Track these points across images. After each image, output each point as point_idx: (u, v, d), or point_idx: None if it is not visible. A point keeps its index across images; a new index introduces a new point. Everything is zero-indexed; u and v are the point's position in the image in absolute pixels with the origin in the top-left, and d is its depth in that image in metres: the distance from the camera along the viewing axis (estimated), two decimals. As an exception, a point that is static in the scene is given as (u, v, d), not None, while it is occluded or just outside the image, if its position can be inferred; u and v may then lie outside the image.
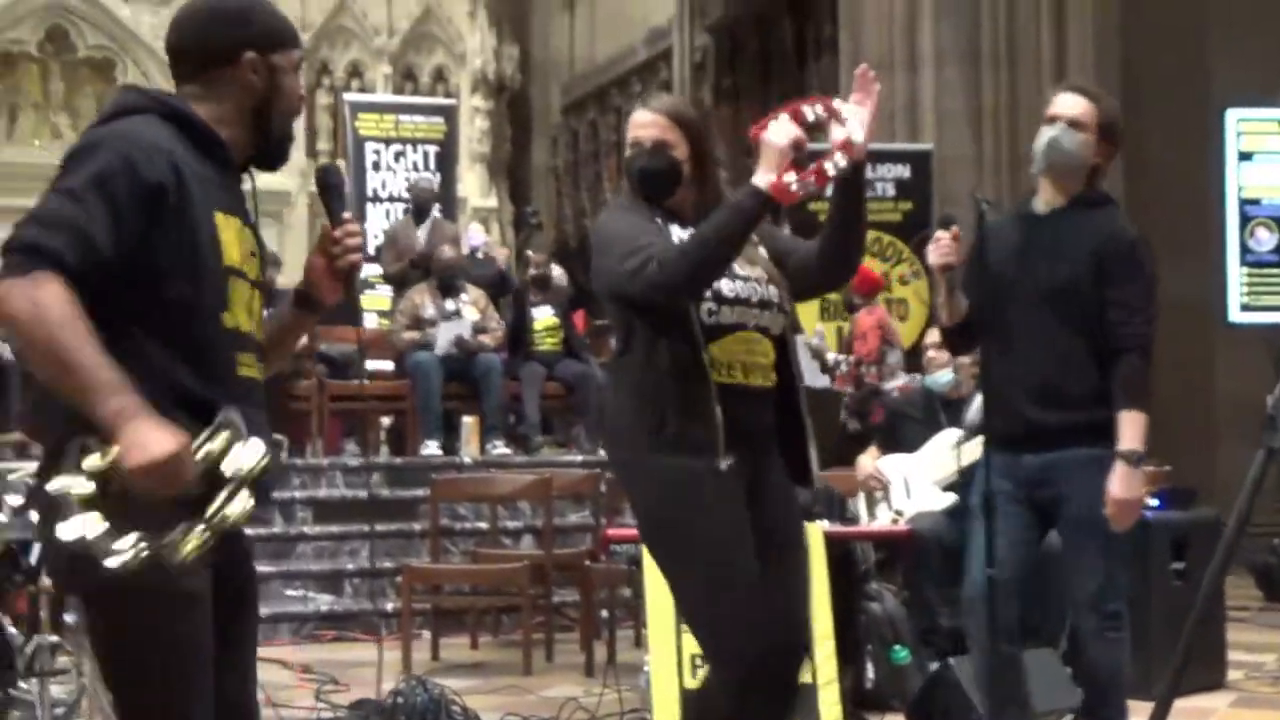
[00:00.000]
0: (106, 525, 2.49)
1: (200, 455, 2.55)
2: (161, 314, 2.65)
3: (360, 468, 9.99)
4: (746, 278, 3.61)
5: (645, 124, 3.69)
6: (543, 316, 10.92)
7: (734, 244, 3.48)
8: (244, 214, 2.82)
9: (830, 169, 3.43)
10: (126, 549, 2.48)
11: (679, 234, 3.60)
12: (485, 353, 10.37)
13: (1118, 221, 4.40)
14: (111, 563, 2.47)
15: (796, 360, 3.77)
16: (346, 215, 2.95)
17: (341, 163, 14.71)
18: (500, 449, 10.23)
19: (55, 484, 2.52)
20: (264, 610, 8.50)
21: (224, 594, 2.71)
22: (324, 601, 8.89)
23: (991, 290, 4.32)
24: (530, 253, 11.99)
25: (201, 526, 2.54)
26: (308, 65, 17.89)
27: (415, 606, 7.77)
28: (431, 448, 10.15)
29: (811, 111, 3.52)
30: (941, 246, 4.36)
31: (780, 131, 3.46)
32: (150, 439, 2.47)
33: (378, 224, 12.88)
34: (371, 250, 12.66)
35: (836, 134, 3.47)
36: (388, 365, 11.02)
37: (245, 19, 2.84)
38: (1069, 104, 4.35)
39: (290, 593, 8.88)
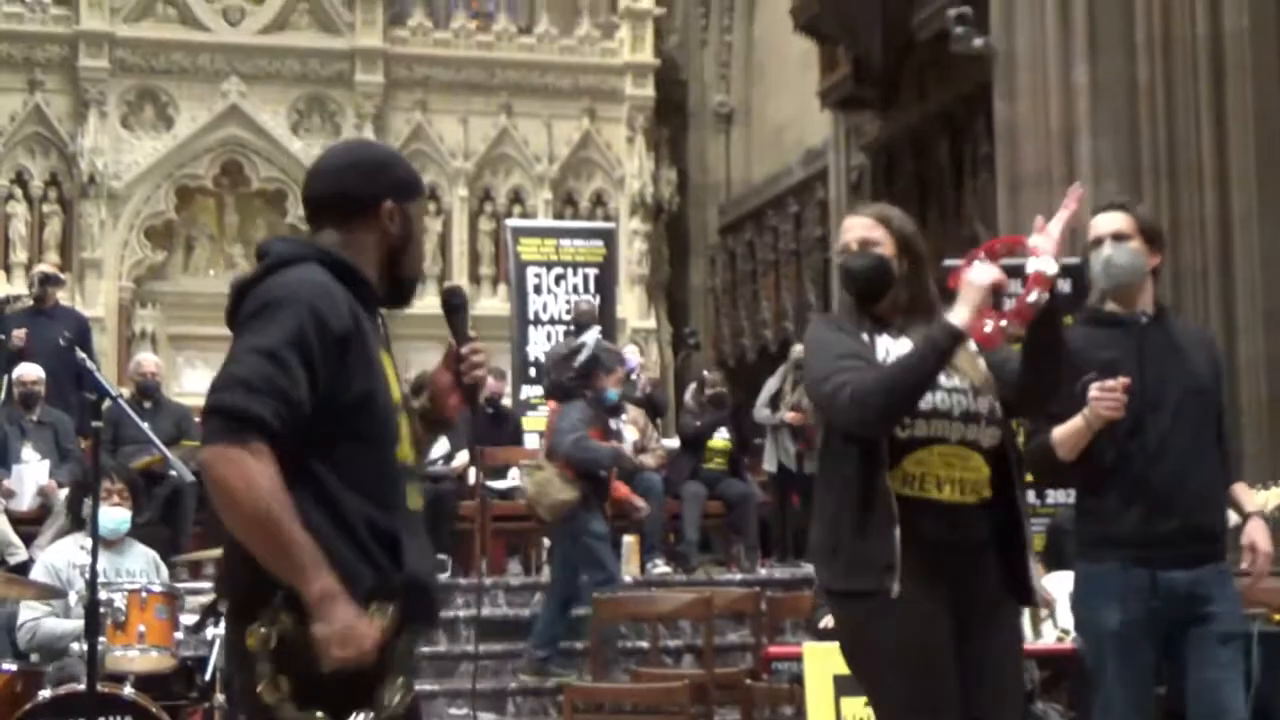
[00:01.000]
0: (289, 692, 2.67)
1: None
2: (350, 452, 2.78)
3: (522, 587, 10.08)
4: (952, 388, 3.58)
5: (851, 227, 3.74)
6: (718, 438, 11.02)
7: (925, 381, 3.48)
8: (389, 351, 2.96)
9: (1031, 306, 3.46)
10: None
11: (887, 345, 3.60)
12: (646, 472, 10.44)
13: (1194, 324, 4.51)
14: None
15: (1019, 473, 3.68)
16: (472, 333, 3.08)
17: (503, 287, 15.00)
18: (660, 568, 10.26)
19: (252, 640, 2.68)
20: (429, 728, 8.62)
21: None
22: (488, 720, 8.95)
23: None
24: (707, 373, 12.13)
25: (372, 714, 2.71)
26: (470, 192, 18.31)
27: (577, 726, 7.79)
28: (592, 567, 10.20)
29: (1005, 248, 3.58)
30: (1115, 400, 4.13)
31: (982, 273, 3.48)
32: (354, 625, 2.64)
33: (539, 346, 13.07)
34: (533, 372, 12.88)
35: (1031, 266, 3.49)
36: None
37: (384, 170, 3.00)
38: (1107, 221, 4.41)
39: (454, 711, 8.95)
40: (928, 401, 3.54)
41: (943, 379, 3.56)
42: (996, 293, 3.48)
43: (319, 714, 2.67)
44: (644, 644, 9.09)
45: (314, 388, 2.72)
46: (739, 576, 10.27)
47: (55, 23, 17.60)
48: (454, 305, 3.12)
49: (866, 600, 3.49)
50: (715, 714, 8.12)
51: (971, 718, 3.50)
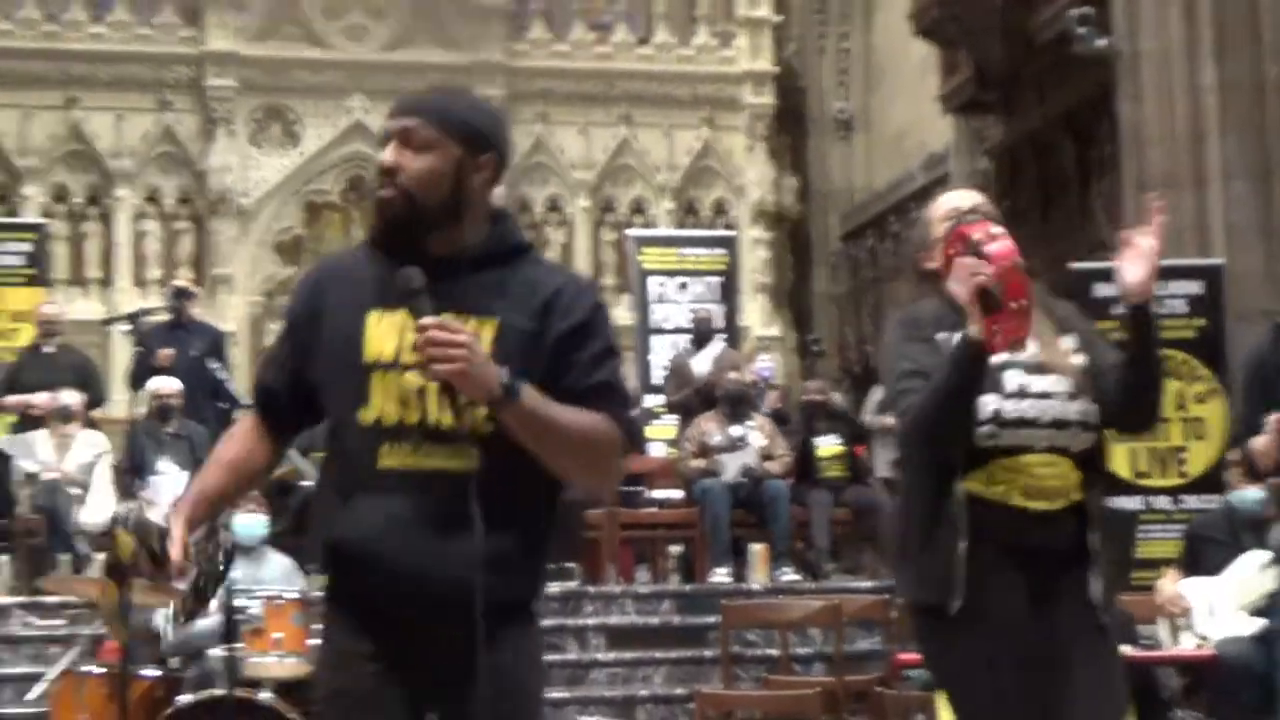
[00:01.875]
0: None
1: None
2: (330, 416, 2.88)
3: (651, 595, 10.10)
4: (1043, 393, 3.47)
5: (951, 200, 3.68)
6: (827, 445, 10.96)
7: (961, 399, 3.37)
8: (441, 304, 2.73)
9: (1015, 314, 3.28)
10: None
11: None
12: (773, 479, 10.43)
13: None
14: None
15: (1101, 480, 3.55)
16: (425, 320, 2.68)
17: (627, 297, 15.07)
18: (789, 575, 10.24)
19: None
20: (560, 736, 8.67)
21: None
22: (618, 728, 8.98)
23: None
24: (808, 383, 12.07)
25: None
26: (592, 202, 18.39)
27: (708, 733, 7.79)
28: (721, 574, 10.22)
29: (979, 232, 3.38)
30: None
31: (961, 281, 3.34)
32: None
33: (663, 355, 13.09)
34: (657, 380, 12.91)
35: (1124, 272, 3.37)
36: (677, 494, 11.16)
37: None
38: None
39: (584, 719, 8.99)
40: (1014, 409, 3.43)
41: (1033, 383, 3.46)
42: (989, 294, 3.30)
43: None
44: (774, 651, 9.07)
45: (275, 366, 2.97)
46: (868, 584, 10.20)
47: (183, 44, 17.96)
48: (400, 290, 2.75)
49: (931, 614, 3.45)
50: (846, 721, 8.09)
51: None
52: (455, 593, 2.66)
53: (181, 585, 2.86)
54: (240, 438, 2.98)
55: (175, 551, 2.82)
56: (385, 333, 2.78)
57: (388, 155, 2.83)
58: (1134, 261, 3.35)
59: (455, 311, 2.74)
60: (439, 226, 2.82)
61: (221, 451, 2.98)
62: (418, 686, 2.74)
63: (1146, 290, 3.35)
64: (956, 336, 3.41)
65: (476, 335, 2.70)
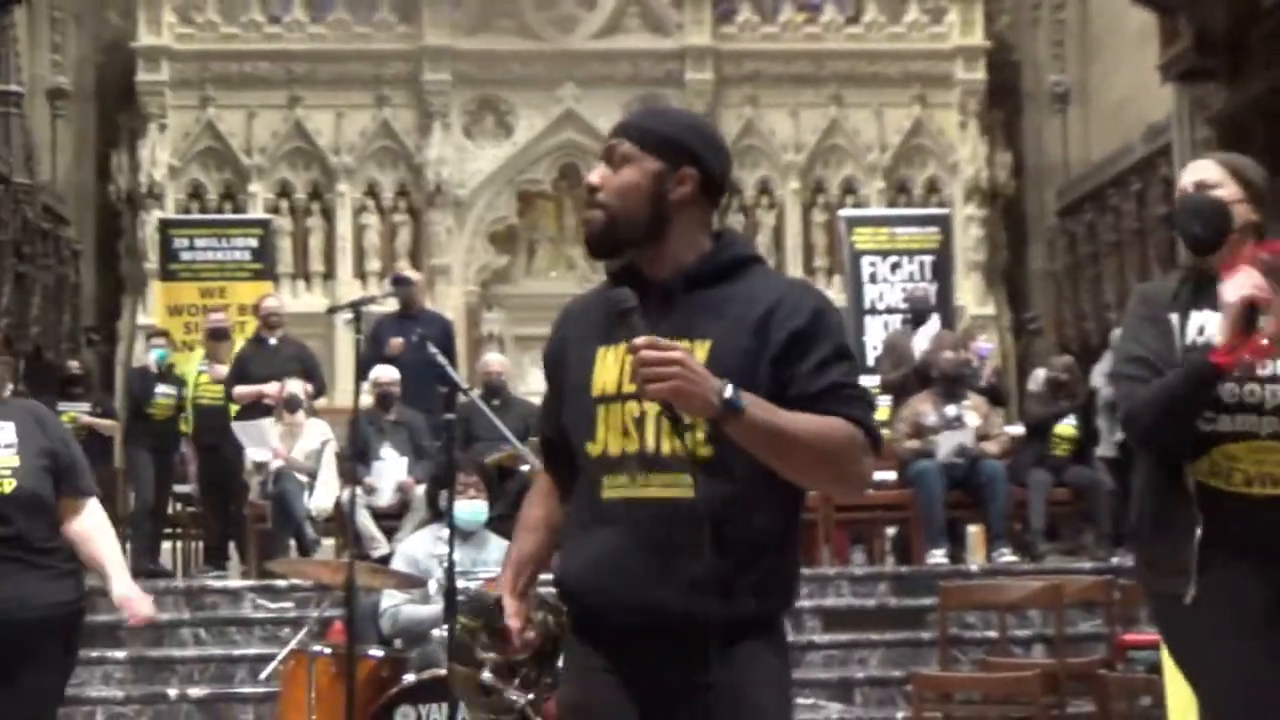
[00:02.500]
0: None
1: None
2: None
3: (867, 577, 10.05)
4: (1270, 377, 3.37)
5: (1193, 169, 3.56)
6: (1063, 424, 10.80)
7: (1187, 409, 3.29)
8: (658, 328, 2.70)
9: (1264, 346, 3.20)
10: None
11: (1203, 321, 3.39)
12: (989, 459, 10.29)
13: None
14: None
15: None
16: (636, 342, 2.60)
17: (837, 279, 14.97)
18: (1006, 556, 10.09)
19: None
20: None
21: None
22: (834, 710, 8.95)
23: None
24: (1055, 359, 11.90)
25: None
26: (803, 184, 18.31)
27: (926, 715, 7.71)
28: (937, 556, 10.12)
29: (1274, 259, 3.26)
30: None
31: (1235, 286, 3.23)
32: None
33: (876, 336, 13.01)
34: (871, 361, 12.83)
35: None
36: (890, 475, 11.07)
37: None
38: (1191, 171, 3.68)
39: (801, 701, 8.99)
40: (1233, 394, 3.34)
41: (1259, 368, 3.35)
42: (1253, 309, 3.20)
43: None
44: (992, 633, 8.95)
45: (553, 407, 2.97)
46: (1089, 565, 10.01)
47: (400, 40, 18.33)
48: (617, 312, 2.70)
49: (1168, 601, 3.39)
50: (1069, 705, 7.94)
51: None
52: (679, 618, 2.68)
53: (523, 655, 2.88)
54: (539, 500, 3.02)
55: (515, 623, 2.86)
56: (610, 366, 2.79)
57: (594, 175, 2.86)
58: None
59: (668, 335, 2.67)
60: (640, 242, 2.81)
61: (526, 517, 3.01)
62: (651, 699, 2.73)
63: None
64: (1192, 328, 3.35)
65: (690, 352, 2.63)
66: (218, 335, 11.41)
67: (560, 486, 2.96)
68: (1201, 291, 3.42)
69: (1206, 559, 3.31)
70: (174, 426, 11.54)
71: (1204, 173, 3.50)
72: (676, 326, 2.72)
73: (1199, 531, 3.30)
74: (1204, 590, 3.31)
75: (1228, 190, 3.45)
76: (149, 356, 12.05)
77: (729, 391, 2.57)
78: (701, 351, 2.71)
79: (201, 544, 11.83)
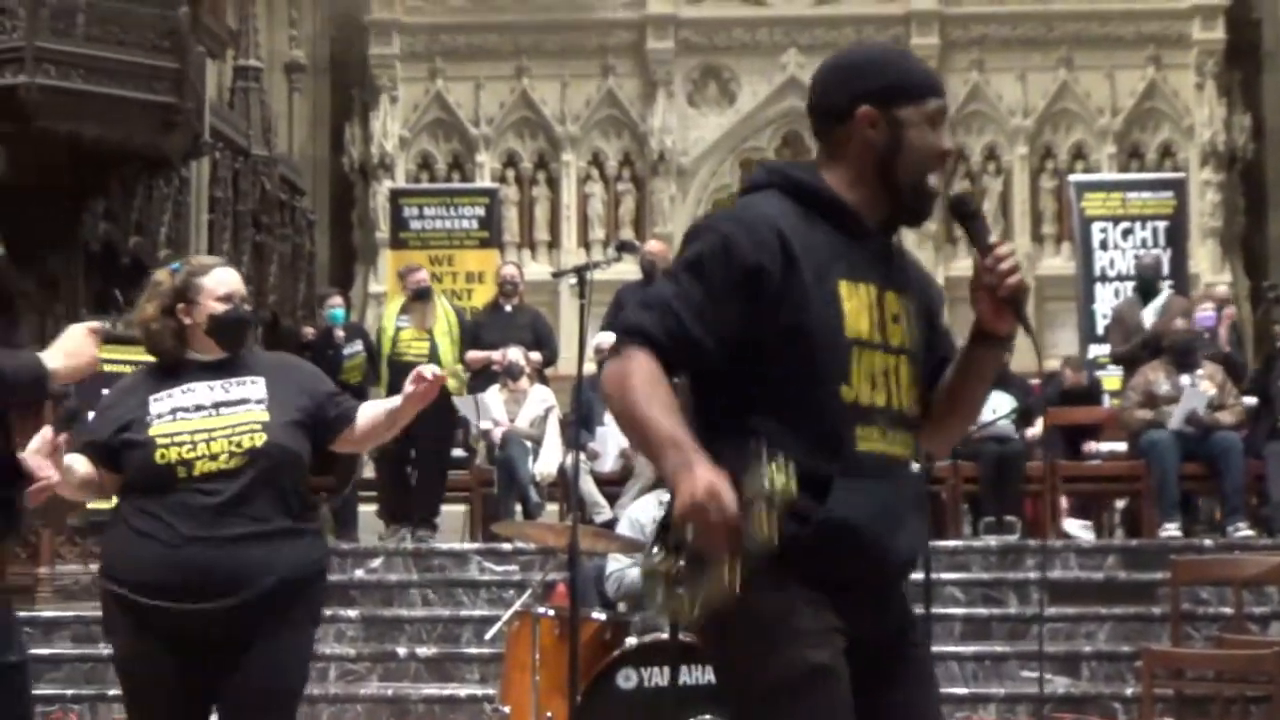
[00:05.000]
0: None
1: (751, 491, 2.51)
2: (773, 390, 2.66)
3: (1095, 549, 9.85)
4: None
5: None
6: (1287, 391, 10.43)
7: None
8: (884, 278, 2.77)
9: None
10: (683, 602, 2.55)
11: None
12: (1224, 430, 9.98)
13: None
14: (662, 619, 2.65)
15: None
16: (993, 240, 2.76)
17: (1066, 245, 14.62)
18: (1243, 531, 9.79)
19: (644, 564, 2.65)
20: (1001, 690, 8.56)
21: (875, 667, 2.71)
22: (1061, 684, 8.79)
23: None
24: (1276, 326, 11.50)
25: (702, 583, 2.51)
26: (1030, 150, 17.95)
27: (1156, 692, 7.54)
28: (1170, 529, 9.87)
29: None
30: None
31: None
32: (689, 482, 2.47)
33: (1107, 303, 12.72)
34: (1100, 330, 12.54)
35: None
36: (1121, 446, 10.83)
37: (862, 72, 2.78)
38: None
39: (1027, 674, 8.84)
40: None
41: None
42: None
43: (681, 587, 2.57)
44: (1226, 609, 8.70)
45: (712, 313, 2.63)
46: (1331, 541, 9.67)
47: (625, 9, 18.42)
48: (963, 213, 2.86)
49: None
50: (1307, 684, 7.69)
51: None
52: (910, 570, 2.83)
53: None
54: (662, 378, 2.63)
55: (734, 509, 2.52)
56: (860, 307, 2.70)
57: (950, 140, 2.85)
58: None
59: (898, 291, 2.78)
60: None
61: (665, 396, 2.60)
62: (870, 654, 2.70)
63: None
64: None
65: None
66: (421, 295, 11.04)
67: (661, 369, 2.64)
68: None
69: None
70: (365, 389, 11.19)
71: None
72: (897, 280, 2.81)
73: None
74: None
75: None
76: (327, 321, 12.10)
77: None
78: (912, 310, 2.81)
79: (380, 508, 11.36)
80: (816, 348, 2.65)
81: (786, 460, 2.53)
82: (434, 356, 10.48)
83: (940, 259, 16.93)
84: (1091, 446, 11.10)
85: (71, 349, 3.63)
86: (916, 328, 2.80)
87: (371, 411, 4.28)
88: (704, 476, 2.47)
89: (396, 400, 4.25)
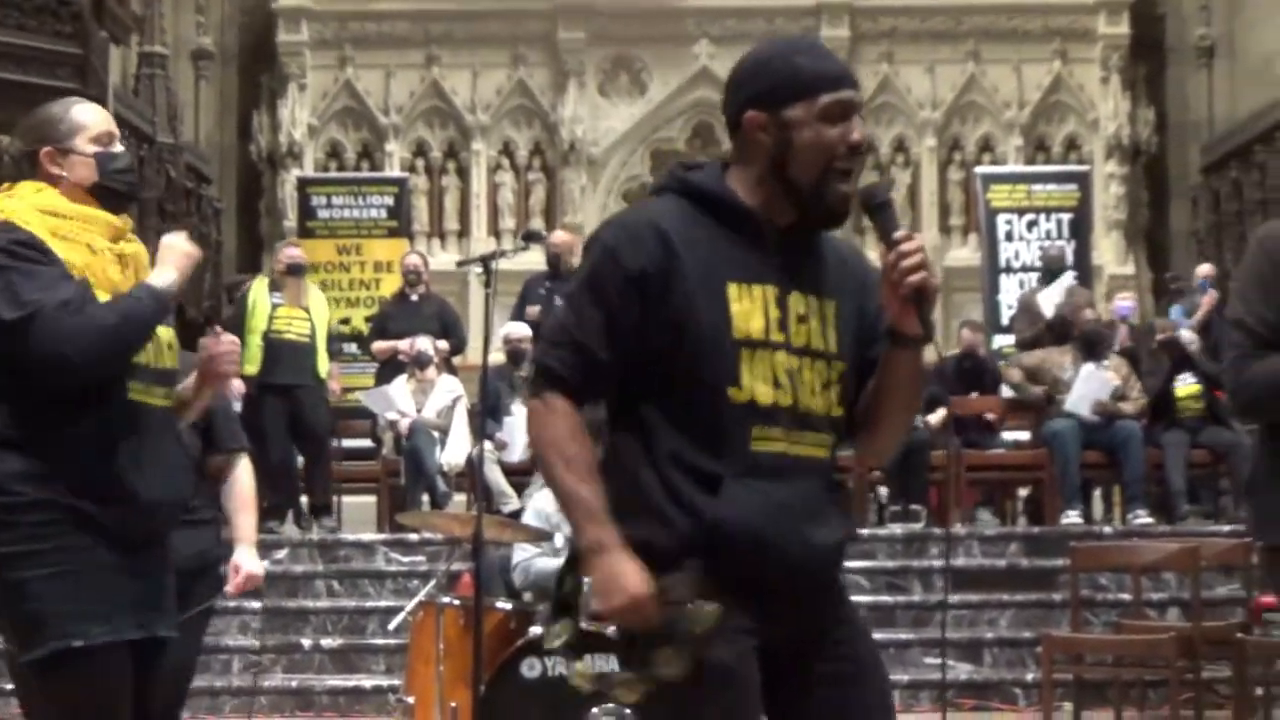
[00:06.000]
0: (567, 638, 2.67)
1: (664, 595, 2.56)
2: (664, 389, 2.66)
3: (998, 537, 9.96)
4: None
5: None
6: (1183, 384, 10.58)
7: None
8: (790, 279, 2.71)
9: None
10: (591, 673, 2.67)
11: None
12: (1124, 420, 10.13)
13: None
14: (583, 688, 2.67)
15: None
16: (899, 234, 2.67)
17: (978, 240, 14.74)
18: (1143, 518, 9.94)
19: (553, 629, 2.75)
20: (904, 677, 8.64)
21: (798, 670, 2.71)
22: (963, 670, 8.88)
23: None
24: (1157, 320, 11.67)
25: (632, 676, 2.58)
26: (939, 142, 18.08)
27: (1056, 677, 7.64)
28: (1071, 516, 10.00)
29: None
30: None
31: None
32: (615, 583, 2.55)
33: (1012, 294, 12.86)
34: (1005, 320, 12.68)
35: None
36: (1024, 435, 10.97)
37: (749, 76, 2.75)
38: None
39: (930, 660, 8.94)
40: None
41: None
42: None
43: (582, 663, 2.68)
44: (1125, 596, 8.83)
45: (612, 332, 2.65)
46: (1226, 528, 9.83)
47: (536, -1, 18.37)
48: (869, 204, 2.71)
49: (1273, 554, 3.31)
50: (1204, 669, 7.82)
51: None
52: (825, 576, 2.75)
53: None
54: (580, 436, 2.68)
55: (645, 591, 2.59)
56: (751, 306, 2.67)
57: (861, 132, 2.72)
58: None
59: (804, 291, 2.71)
60: None
61: (580, 458, 2.65)
62: (785, 656, 2.71)
63: None
64: None
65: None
66: (294, 271, 10.67)
67: (579, 415, 2.70)
68: None
69: None
70: None
71: None
72: (808, 281, 2.74)
73: None
74: None
75: None
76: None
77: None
78: (830, 311, 2.74)
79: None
80: (701, 349, 2.64)
81: (710, 589, 2.57)
82: (314, 336, 10.40)
83: (850, 251, 17.00)
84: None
85: (171, 258, 3.50)
86: (838, 329, 2.75)
87: (231, 499, 4.43)
88: (629, 586, 2.55)
89: (248, 538, 4.41)
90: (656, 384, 2.67)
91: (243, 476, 4.51)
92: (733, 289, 2.66)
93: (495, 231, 17.79)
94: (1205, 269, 12.55)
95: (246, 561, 4.44)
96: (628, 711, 5.63)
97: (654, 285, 2.64)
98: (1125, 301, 12.53)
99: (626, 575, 2.56)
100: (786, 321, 2.69)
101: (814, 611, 2.72)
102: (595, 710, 5.72)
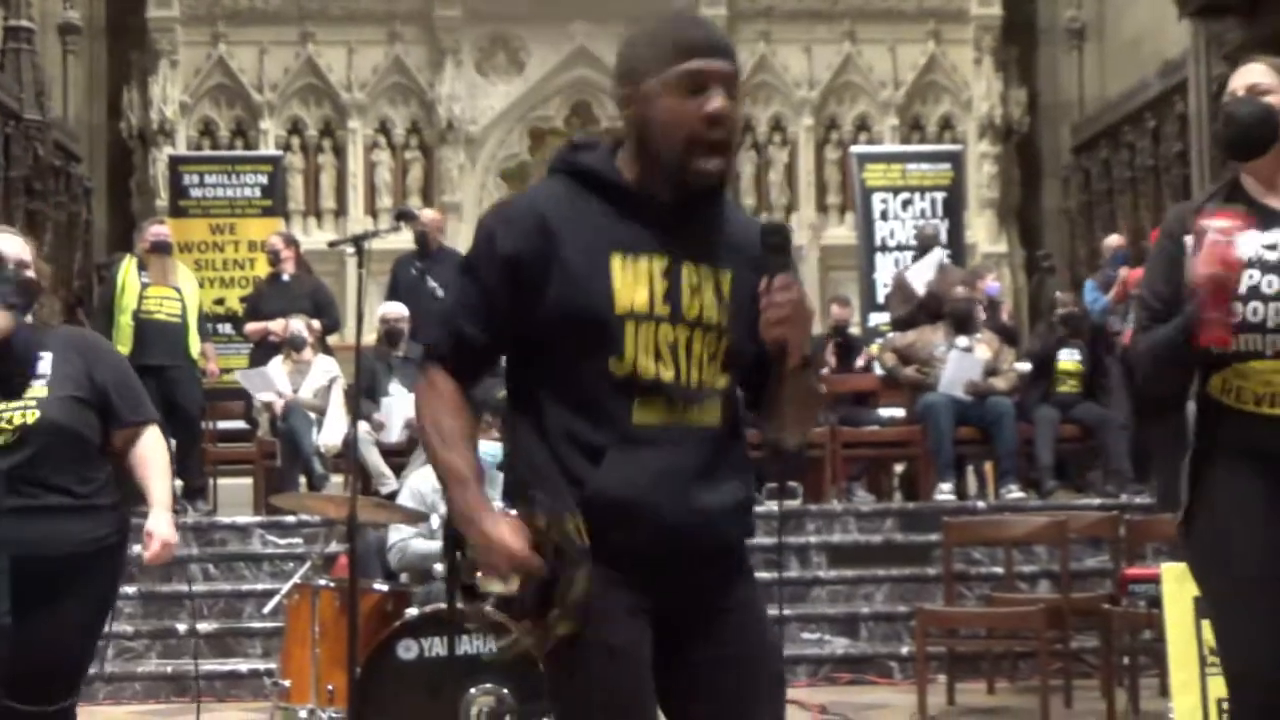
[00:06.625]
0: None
1: (548, 538, 2.60)
2: (547, 365, 2.69)
3: (873, 513, 10.08)
4: (1275, 295, 3.33)
5: (1244, 73, 3.45)
6: (1067, 359, 10.77)
7: (1174, 365, 3.28)
8: (680, 251, 2.70)
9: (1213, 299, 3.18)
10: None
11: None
12: (997, 395, 10.28)
13: None
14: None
15: None
16: (777, 280, 2.62)
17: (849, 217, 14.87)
18: (1014, 493, 10.11)
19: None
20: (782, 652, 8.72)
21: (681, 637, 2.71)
22: (840, 644, 8.99)
23: None
24: (1059, 294, 11.85)
25: (529, 628, 2.63)
26: (816, 121, 18.20)
27: (930, 650, 7.75)
28: (945, 492, 10.14)
29: (1220, 233, 3.20)
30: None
31: (1205, 258, 3.20)
32: (492, 545, 2.60)
33: (887, 272, 12.99)
34: (881, 299, 12.81)
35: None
36: (900, 411, 11.09)
37: (621, 50, 2.76)
38: (1244, 74, 3.54)
39: (807, 635, 9.03)
40: (1241, 312, 3.30)
41: (1265, 286, 3.32)
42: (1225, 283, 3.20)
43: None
44: (998, 569, 8.98)
45: (489, 312, 2.70)
46: (1096, 501, 10.02)
47: (412, -26, 18.22)
48: (765, 242, 2.67)
49: (1183, 524, 3.40)
50: (1073, 640, 7.97)
51: None
52: (717, 542, 2.71)
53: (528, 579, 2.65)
54: (455, 408, 2.74)
55: (518, 544, 2.62)
56: (635, 280, 2.66)
57: (724, 102, 2.64)
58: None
59: (697, 261, 2.69)
60: None
61: (453, 429, 2.71)
62: (674, 626, 2.70)
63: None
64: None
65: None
66: (160, 249, 10.45)
67: (462, 398, 2.75)
68: (1231, 204, 3.37)
69: (1208, 477, 3.33)
70: None
71: (1257, 76, 3.42)
72: (703, 252, 2.71)
73: (1195, 449, 3.33)
74: (1205, 508, 3.33)
75: (1278, 97, 3.39)
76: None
77: (809, 346, 2.63)
78: (725, 283, 2.72)
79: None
80: (583, 322, 2.64)
81: (587, 564, 2.59)
82: (185, 316, 10.26)
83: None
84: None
85: None
86: (734, 300, 2.72)
87: (140, 467, 4.29)
88: (492, 539, 2.60)
89: (161, 502, 4.32)
90: (546, 363, 2.69)
91: (150, 443, 4.36)
92: (616, 263, 2.66)
93: (372, 211, 17.65)
94: (1114, 240, 12.68)
95: (159, 528, 4.28)
96: (505, 690, 5.68)
97: (529, 269, 2.65)
98: (994, 283, 12.69)
99: (502, 535, 2.60)
100: (676, 293, 2.68)
101: (704, 583, 2.70)
102: (473, 690, 5.72)
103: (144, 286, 10.28)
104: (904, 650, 8.67)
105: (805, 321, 2.61)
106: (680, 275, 2.68)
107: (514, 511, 2.68)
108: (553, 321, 2.66)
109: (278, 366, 10.57)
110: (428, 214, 11.96)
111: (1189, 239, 3.33)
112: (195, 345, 10.34)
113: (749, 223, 2.83)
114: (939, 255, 11.80)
